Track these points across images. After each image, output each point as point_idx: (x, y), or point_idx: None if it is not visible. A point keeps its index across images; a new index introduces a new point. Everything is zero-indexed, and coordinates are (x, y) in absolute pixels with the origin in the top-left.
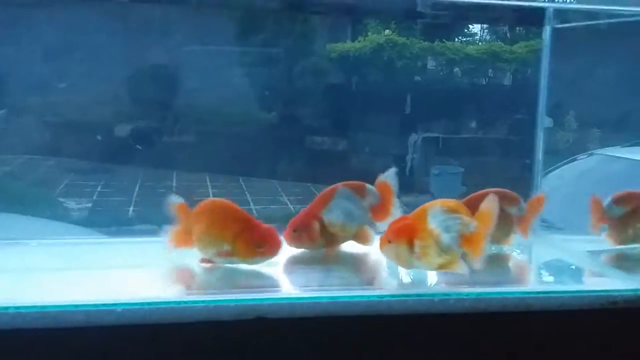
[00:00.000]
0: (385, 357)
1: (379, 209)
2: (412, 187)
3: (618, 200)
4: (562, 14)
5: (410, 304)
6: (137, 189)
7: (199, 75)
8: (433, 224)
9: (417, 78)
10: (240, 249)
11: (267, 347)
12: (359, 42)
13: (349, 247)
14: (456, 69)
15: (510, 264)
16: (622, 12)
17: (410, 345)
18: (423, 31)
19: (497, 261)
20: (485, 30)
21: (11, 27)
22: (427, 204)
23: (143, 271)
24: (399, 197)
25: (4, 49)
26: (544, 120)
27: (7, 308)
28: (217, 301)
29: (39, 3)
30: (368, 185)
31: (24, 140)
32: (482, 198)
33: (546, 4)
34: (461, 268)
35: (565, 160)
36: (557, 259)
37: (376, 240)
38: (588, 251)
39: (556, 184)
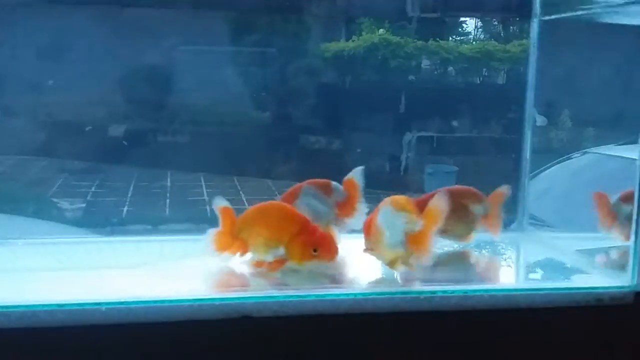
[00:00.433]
0: (371, 355)
1: (345, 206)
2: (406, 186)
3: (627, 198)
4: (552, 6)
5: (396, 302)
6: (131, 189)
7: (193, 75)
8: (381, 221)
9: (412, 77)
10: (295, 252)
11: (253, 346)
12: (353, 41)
13: None
14: (450, 68)
15: (472, 261)
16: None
17: (397, 343)
18: (417, 30)
19: (458, 258)
20: (480, 29)
21: (3, 28)
22: (382, 201)
23: (138, 271)
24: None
25: None
26: (531, 119)
27: None
28: (203, 300)
29: (31, 4)
30: (334, 183)
31: (17, 141)
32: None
33: None
34: (410, 266)
35: (560, 159)
36: (544, 256)
37: (341, 239)
38: (576, 249)
39: (550, 182)
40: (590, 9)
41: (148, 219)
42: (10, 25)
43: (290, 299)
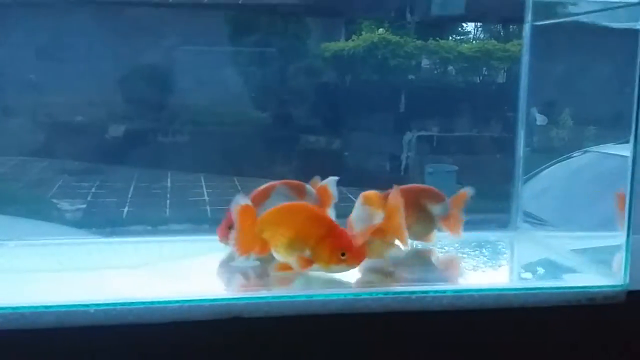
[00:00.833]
0: (363, 355)
1: None
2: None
3: None
4: (549, 9)
5: (387, 302)
6: (131, 189)
7: (193, 75)
8: (353, 216)
9: (411, 77)
10: (322, 255)
11: (243, 346)
12: (352, 41)
13: None
14: (450, 68)
15: (432, 259)
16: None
17: (388, 343)
18: (417, 30)
19: (417, 257)
20: (479, 29)
21: (2, 28)
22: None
23: (137, 272)
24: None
25: None
26: (524, 118)
27: None
28: (193, 301)
29: (31, 4)
30: (308, 186)
31: (17, 142)
32: (403, 193)
33: None
34: (381, 257)
35: (560, 158)
36: (537, 256)
37: None
38: (571, 248)
39: (550, 181)
40: (584, 12)
41: (148, 219)
42: (10, 25)
43: (281, 300)
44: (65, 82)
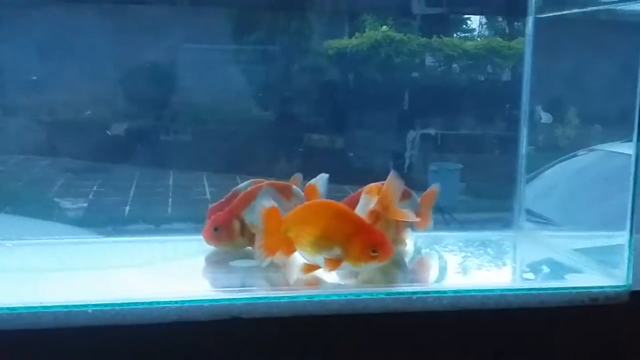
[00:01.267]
0: (362, 356)
1: None
2: (410, 184)
3: None
4: (554, 3)
5: (388, 302)
6: (133, 188)
7: (195, 73)
8: (357, 208)
9: (415, 74)
10: (353, 253)
11: (242, 347)
12: (356, 38)
13: None
14: (454, 65)
15: (405, 260)
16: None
17: (388, 344)
18: (421, 27)
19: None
20: (484, 26)
21: (4, 26)
22: None
23: (139, 271)
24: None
25: None
26: (527, 116)
27: None
28: (192, 301)
29: (33, 2)
30: (295, 187)
31: (18, 140)
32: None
33: None
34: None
35: (566, 156)
36: (540, 256)
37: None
38: (573, 248)
39: (555, 179)
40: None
41: (150, 218)
42: (12, 23)
43: (280, 300)
44: (67, 80)
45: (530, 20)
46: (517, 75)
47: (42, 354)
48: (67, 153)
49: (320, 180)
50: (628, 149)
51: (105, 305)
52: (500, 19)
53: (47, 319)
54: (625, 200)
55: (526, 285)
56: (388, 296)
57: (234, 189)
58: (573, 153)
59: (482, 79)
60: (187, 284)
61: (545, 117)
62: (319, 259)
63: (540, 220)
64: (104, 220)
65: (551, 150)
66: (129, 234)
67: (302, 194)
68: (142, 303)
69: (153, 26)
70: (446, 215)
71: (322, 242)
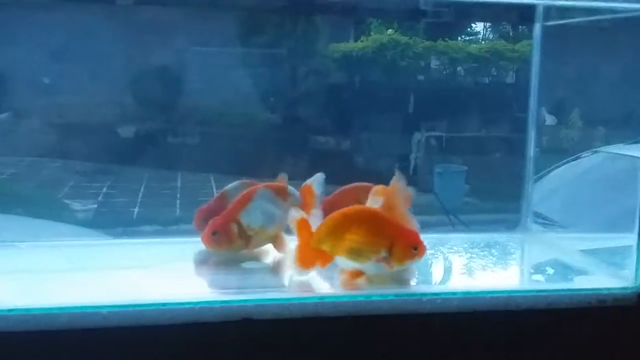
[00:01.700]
0: (374, 357)
1: None
2: (416, 186)
3: None
4: (560, 10)
5: (398, 304)
6: (142, 189)
7: (203, 76)
8: None
9: (420, 77)
10: (399, 253)
11: (253, 348)
12: (361, 41)
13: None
14: (459, 68)
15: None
16: (622, 8)
17: (398, 345)
18: (426, 30)
19: None
20: (489, 29)
21: (15, 29)
22: None
23: (148, 272)
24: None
25: (8, 51)
26: (534, 119)
27: None
28: (203, 302)
29: (42, 5)
30: (290, 188)
31: (29, 142)
32: (344, 195)
33: (537, 1)
34: None
35: (569, 158)
36: (547, 257)
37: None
38: (580, 249)
39: (560, 181)
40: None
41: (159, 219)
42: (21, 26)
43: (291, 302)
44: (77, 83)
45: (537, 27)
46: (521, 77)
47: (56, 355)
48: (77, 155)
49: (316, 181)
50: (632, 150)
51: (118, 306)
52: (504, 23)
53: (62, 320)
54: (630, 202)
55: (534, 286)
56: (398, 298)
57: (223, 189)
58: (577, 155)
59: (487, 81)
60: (198, 285)
61: (549, 119)
62: (367, 265)
63: (546, 221)
64: (114, 221)
65: (556, 153)
66: (138, 236)
67: (298, 194)
68: (155, 304)
69: (162, 30)
70: (451, 217)
71: (367, 247)
